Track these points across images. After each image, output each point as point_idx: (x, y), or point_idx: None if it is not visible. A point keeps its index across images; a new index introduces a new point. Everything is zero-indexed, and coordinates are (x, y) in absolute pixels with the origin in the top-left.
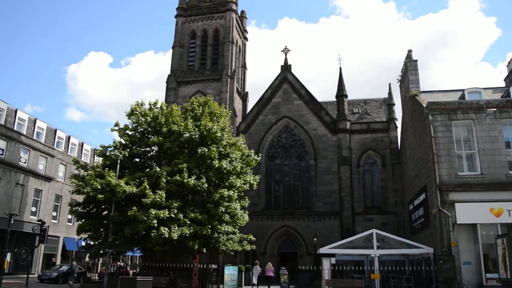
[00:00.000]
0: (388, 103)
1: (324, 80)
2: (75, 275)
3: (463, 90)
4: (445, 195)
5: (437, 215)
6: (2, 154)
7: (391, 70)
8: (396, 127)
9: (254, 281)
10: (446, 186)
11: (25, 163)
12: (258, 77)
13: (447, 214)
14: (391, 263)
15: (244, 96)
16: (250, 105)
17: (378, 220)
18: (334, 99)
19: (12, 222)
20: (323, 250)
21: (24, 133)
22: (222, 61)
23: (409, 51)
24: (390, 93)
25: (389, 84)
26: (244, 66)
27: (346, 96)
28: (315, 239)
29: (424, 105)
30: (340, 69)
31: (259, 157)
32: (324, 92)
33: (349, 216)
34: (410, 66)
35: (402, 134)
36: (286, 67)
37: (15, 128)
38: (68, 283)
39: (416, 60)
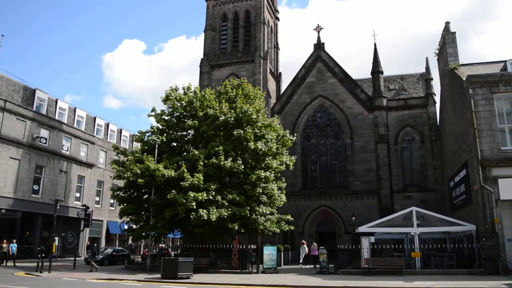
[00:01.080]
0: (425, 78)
1: (358, 57)
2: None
3: (505, 62)
4: (487, 171)
5: (479, 191)
6: (45, 143)
7: (428, 44)
8: (435, 103)
9: (301, 260)
10: (488, 162)
11: (67, 151)
12: (291, 57)
13: (489, 190)
14: (432, 241)
15: (277, 77)
16: (284, 85)
17: (418, 198)
18: (369, 76)
19: (58, 207)
20: (361, 229)
21: (65, 122)
22: (254, 43)
23: (447, 23)
24: (427, 68)
25: (426, 58)
26: (276, 47)
27: (382, 73)
28: (353, 218)
29: (464, 79)
30: (375, 45)
31: (295, 138)
32: (358, 70)
33: (387, 194)
34: (448, 39)
35: (441, 109)
36: (319, 46)
37: (56, 118)
38: (91, 265)
39: (454, 32)
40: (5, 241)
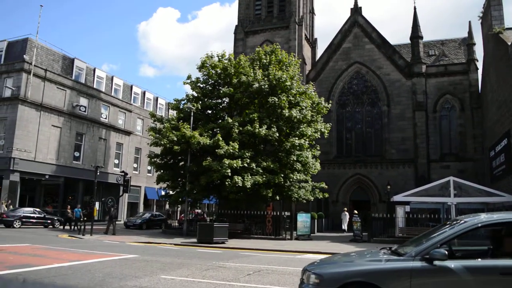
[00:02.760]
0: (467, 43)
1: (396, 22)
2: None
3: None
4: None
5: None
6: (85, 111)
7: (470, 7)
8: (477, 69)
9: (344, 227)
10: None
11: (106, 118)
12: (327, 23)
13: None
14: (469, 211)
15: (313, 43)
16: (320, 52)
17: (455, 168)
18: (408, 41)
19: (98, 174)
20: (397, 198)
21: (103, 90)
22: (289, 8)
23: None
24: (470, 32)
25: (469, 22)
26: (312, 12)
27: (422, 38)
28: (389, 187)
29: (509, 43)
30: (415, 8)
31: (330, 105)
32: (396, 35)
33: (424, 164)
34: (493, 1)
35: (483, 76)
36: (356, 10)
37: (94, 86)
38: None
39: None
40: (69, 206)
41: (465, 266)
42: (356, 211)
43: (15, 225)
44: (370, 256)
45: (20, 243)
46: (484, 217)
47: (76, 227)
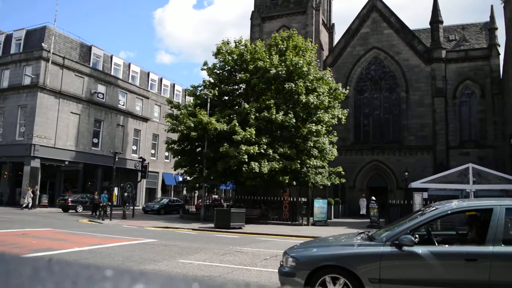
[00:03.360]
0: (489, 27)
1: (415, 6)
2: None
3: None
4: None
5: None
6: (103, 98)
7: None
8: (499, 54)
9: (363, 212)
10: None
11: (123, 105)
12: (345, 7)
13: None
14: None
15: (330, 28)
16: (337, 37)
17: (475, 155)
18: (427, 26)
19: (116, 160)
20: (415, 184)
21: (121, 77)
22: None
23: None
24: (492, 16)
25: (491, 6)
26: None
27: (442, 22)
28: (406, 173)
29: None
30: None
31: (347, 91)
32: (416, 20)
33: (443, 150)
34: None
35: (506, 61)
36: None
37: (112, 73)
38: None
39: None
40: (96, 192)
41: (432, 252)
42: (373, 198)
43: (78, 210)
44: (344, 241)
45: (42, 228)
46: (454, 204)
47: (103, 213)
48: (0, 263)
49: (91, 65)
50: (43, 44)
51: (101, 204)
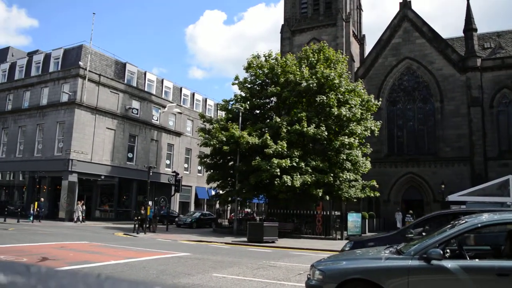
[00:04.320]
0: None
1: (448, 15)
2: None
3: None
4: None
5: None
6: (137, 114)
7: None
8: None
9: (399, 226)
10: None
11: (157, 120)
12: (375, 18)
13: None
14: None
15: (361, 40)
16: (368, 48)
17: None
18: (461, 34)
19: (151, 174)
20: (452, 197)
21: (154, 93)
22: (336, 5)
23: None
24: None
25: None
26: (359, 8)
27: (476, 30)
28: (443, 186)
29: None
30: None
31: (380, 103)
32: (449, 28)
33: (481, 162)
34: None
35: None
36: (405, 4)
37: (146, 89)
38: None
39: None
40: (142, 207)
41: (461, 266)
42: (411, 211)
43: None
44: (372, 254)
45: (79, 241)
46: (485, 217)
47: (151, 227)
48: (55, 279)
49: (125, 81)
50: (80, 62)
51: (148, 219)
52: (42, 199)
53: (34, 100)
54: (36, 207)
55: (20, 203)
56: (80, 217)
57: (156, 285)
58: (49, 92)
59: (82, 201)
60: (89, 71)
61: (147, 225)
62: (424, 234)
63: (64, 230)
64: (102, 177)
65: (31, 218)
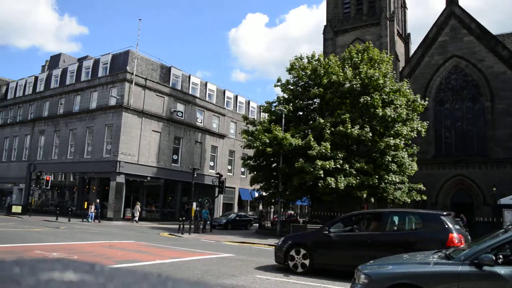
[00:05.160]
0: None
1: (496, 11)
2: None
3: None
4: None
5: None
6: (181, 116)
7: None
8: None
9: None
10: None
11: (201, 123)
12: (420, 16)
13: None
14: None
15: (405, 38)
16: (413, 47)
17: None
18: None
19: (195, 175)
20: (504, 200)
21: (198, 96)
22: (380, 4)
23: None
24: None
25: None
26: (404, 6)
27: None
28: (494, 188)
29: None
30: None
31: (426, 102)
32: (498, 24)
33: None
34: None
35: None
36: (452, 0)
37: (190, 92)
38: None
39: None
40: (206, 207)
41: None
42: (462, 215)
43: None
44: (420, 259)
45: (127, 240)
46: None
47: (204, 227)
48: (119, 278)
49: (170, 85)
50: (127, 67)
51: (203, 220)
52: (98, 200)
53: (84, 104)
54: (93, 207)
55: (71, 203)
56: (137, 218)
57: (217, 286)
58: (98, 96)
59: (139, 202)
60: (135, 75)
61: (204, 226)
62: (352, 232)
63: (112, 230)
64: (148, 178)
65: (90, 219)
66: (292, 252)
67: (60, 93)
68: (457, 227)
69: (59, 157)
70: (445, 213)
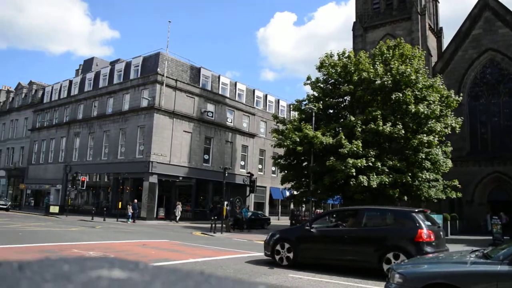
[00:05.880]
0: None
1: None
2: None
3: None
4: None
5: None
6: (212, 116)
7: None
8: None
9: (490, 228)
10: None
11: (231, 122)
12: (453, 9)
13: None
14: None
15: (438, 33)
16: (446, 41)
17: None
18: None
19: (226, 175)
20: None
21: (228, 96)
22: None
23: None
24: None
25: None
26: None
27: None
28: None
29: None
30: None
31: (461, 98)
32: None
33: None
34: None
35: None
36: None
37: (220, 92)
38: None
39: None
40: (238, 207)
41: None
42: (502, 213)
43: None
44: (456, 258)
45: (160, 239)
46: None
47: (245, 227)
48: (164, 275)
49: (200, 85)
50: (157, 69)
51: (244, 219)
52: (136, 200)
53: (117, 106)
54: (131, 208)
55: (106, 203)
56: (178, 217)
57: (261, 284)
58: (130, 98)
59: (180, 202)
60: (166, 77)
61: (244, 225)
62: (332, 228)
63: (146, 229)
64: (180, 178)
65: (129, 220)
66: (278, 247)
67: (93, 96)
68: (428, 223)
69: (94, 158)
70: (416, 210)
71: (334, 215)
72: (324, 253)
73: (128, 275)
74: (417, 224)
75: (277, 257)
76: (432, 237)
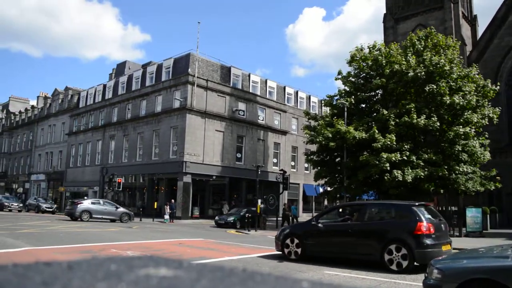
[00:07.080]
0: None
1: None
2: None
3: None
4: None
5: None
6: (243, 115)
7: None
8: None
9: None
10: None
11: (262, 120)
12: None
13: None
14: None
15: (472, 21)
16: (481, 29)
17: None
18: None
19: (259, 173)
20: None
21: (259, 93)
22: None
23: None
24: None
25: None
26: None
27: None
28: None
29: None
30: None
31: (498, 87)
32: None
33: None
34: None
35: None
36: None
37: (250, 91)
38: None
39: None
40: (286, 204)
41: None
42: None
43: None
44: (497, 253)
45: (195, 238)
46: None
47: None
48: (209, 273)
49: (231, 84)
50: (188, 70)
51: (292, 216)
52: (173, 200)
53: (150, 108)
54: (168, 208)
55: (142, 204)
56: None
57: (303, 280)
58: (162, 100)
59: (226, 201)
60: (197, 77)
61: (293, 222)
62: (337, 222)
63: (181, 228)
64: (214, 177)
65: (167, 221)
66: (288, 241)
67: (127, 99)
68: (429, 217)
69: (129, 160)
70: (417, 204)
71: (340, 210)
72: (329, 246)
73: (174, 273)
74: (417, 218)
75: (286, 251)
76: (432, 229)
